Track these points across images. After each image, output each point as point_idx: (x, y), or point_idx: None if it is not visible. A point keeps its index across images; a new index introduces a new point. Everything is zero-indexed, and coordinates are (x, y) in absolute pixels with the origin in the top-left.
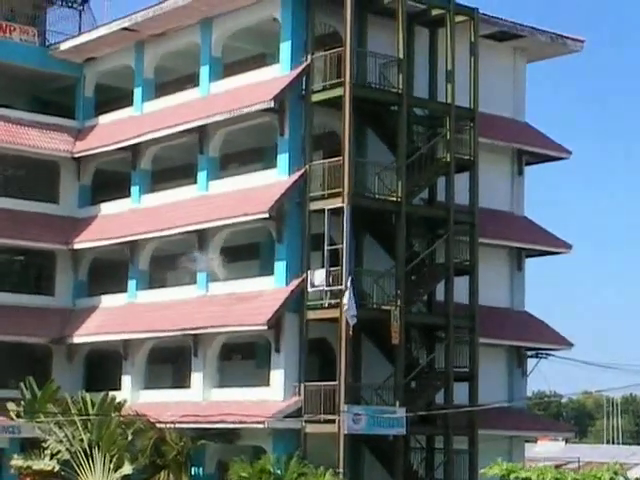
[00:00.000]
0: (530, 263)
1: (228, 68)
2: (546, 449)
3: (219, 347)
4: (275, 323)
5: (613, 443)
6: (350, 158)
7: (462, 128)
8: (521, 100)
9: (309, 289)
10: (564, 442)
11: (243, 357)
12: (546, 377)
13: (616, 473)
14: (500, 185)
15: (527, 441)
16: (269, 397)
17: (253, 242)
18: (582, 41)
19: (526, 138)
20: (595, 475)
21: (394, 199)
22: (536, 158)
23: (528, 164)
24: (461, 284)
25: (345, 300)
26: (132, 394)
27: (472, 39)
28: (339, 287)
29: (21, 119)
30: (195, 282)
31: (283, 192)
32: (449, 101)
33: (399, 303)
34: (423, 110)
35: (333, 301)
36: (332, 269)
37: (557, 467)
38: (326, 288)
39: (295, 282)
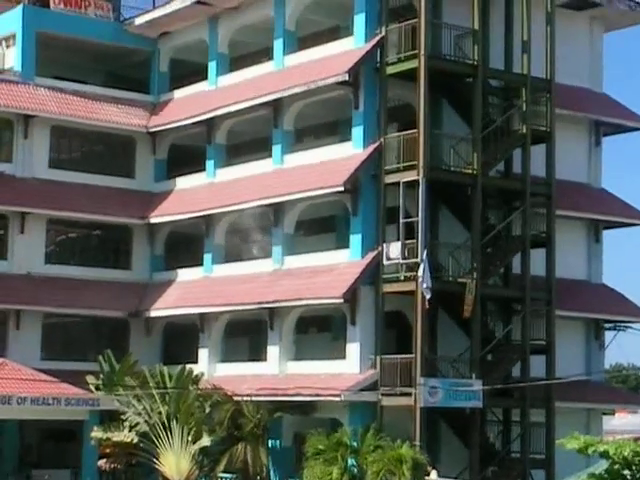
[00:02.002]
0: (608, 235)
1: (302, 41)
2: (624, 422)
3: (295, 320)
4: (351, 296)
5: None
6: (425, 130)
7: (538, 99)
8: (598, 70)
9: (385, 262)
10: None
11: (319, 330)
12: (624, 349)
13: None
14: (577, 156)
15: (605, 414)
16: (345, 370)
17: (328, 215)
18: None
19: (603, 109)
20: None
21: (470, 171)
22: (614, 129)
23: (606, 135)
24: (538, 256)
25: (421, 273)
26: (209, 367)
27: (548, 8)
28: (415, 260)
29: (97, 95)
30: (270, 256)
31: (358, 165)
32: (525, 72)
33: (475, 276)
34: (499, 81)
35: (409, 274)
36: (407, 242)
37: (636, 440)
38: (402, 261)
39: (371, 255)
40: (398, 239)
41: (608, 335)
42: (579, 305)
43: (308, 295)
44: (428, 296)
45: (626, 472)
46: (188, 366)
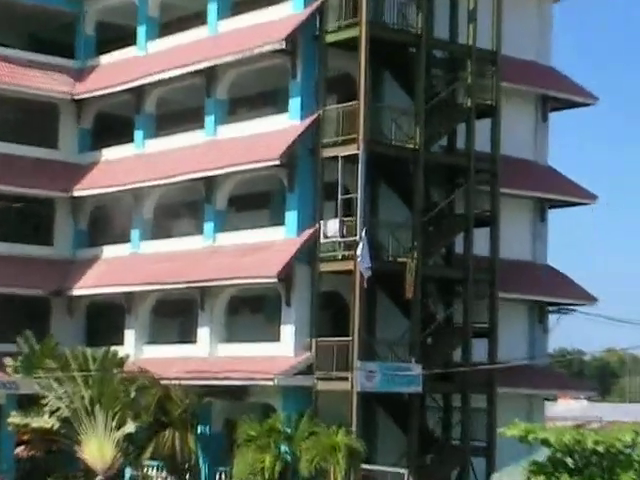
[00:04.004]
0: (553, 215)
1: (238, 6)
2: (568, 408)
3: (227, 300)
4: (286, 275)
5: (637, 402)
6: (366, 102)
7: (484, 72)
8: (547, 43)
9: (322, 240)
10: (586, 401)
11: (252, 311)
12: (568, 333)
13: (638, 433)
14: (523, 132)
15: (548, 399)
16: (279, 353)
17: (263, 190)
18: None
19: (551, 82)
20: (616, 436)
21: (412, 146)
22: (561, 104)
23: (553, 110)
24: (481, 236)
25: (359, 252)
26: (135, 349)
27: None
28: (353, 238)
29: (18, 58)
30: (202, 232)
31: (295, 138)
32: (470, 43)
33: (416, 255)
34: (443, 52)
35: (347, 253)
36: (346, 219)
37: (578, 426)
38: (339, 239)
39: (307, 233)
40: (336, 216)
41: (552, 318)
42: (523, 287)
43: (241, 274)
44: (367, 276)
45: (568, 460)
46: (113, 348)
